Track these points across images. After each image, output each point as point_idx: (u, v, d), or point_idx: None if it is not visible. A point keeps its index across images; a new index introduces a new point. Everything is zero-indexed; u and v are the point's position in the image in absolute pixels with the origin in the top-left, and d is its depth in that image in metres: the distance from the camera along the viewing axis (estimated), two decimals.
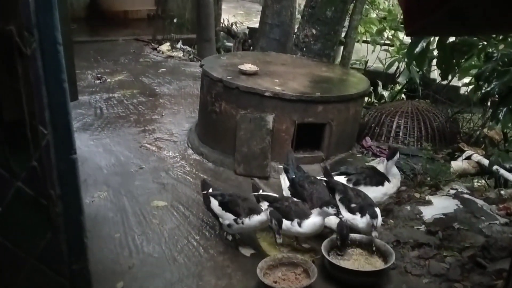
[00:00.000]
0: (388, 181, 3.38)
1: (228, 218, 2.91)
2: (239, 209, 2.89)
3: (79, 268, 1.74)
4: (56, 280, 1.69)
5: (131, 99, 5.75)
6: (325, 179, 3.31)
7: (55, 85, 1.52)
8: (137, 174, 3.92)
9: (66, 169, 1.61)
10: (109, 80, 6.46)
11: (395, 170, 3.43)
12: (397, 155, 3.41)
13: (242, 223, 2.85)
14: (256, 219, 2.83)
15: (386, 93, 6.74)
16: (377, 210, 2.98)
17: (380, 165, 4.16)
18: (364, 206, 2.99)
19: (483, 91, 2.18)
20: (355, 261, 2.84)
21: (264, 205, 3.06)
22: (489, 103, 4.55)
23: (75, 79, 3.33)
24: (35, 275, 1.69)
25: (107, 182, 3.77)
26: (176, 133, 4.81)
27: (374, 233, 2.81)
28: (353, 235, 2.96)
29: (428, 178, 3.92)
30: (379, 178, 3.39)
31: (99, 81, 6.37)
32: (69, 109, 1.57)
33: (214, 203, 3.02)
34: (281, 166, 3.47)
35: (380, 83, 6.85)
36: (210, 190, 3.14)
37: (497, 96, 2.30)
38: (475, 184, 4.49)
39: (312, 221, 2.85)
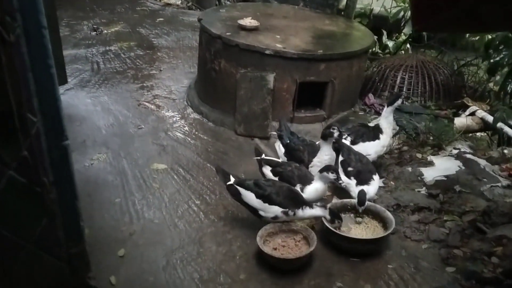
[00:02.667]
0: (380, 131, 3.37)
1: (273, 211, 2.69)
2: (286, 199, 2.69)
3: (76, 251, 1.73)
4: (55, 264, 1.69)
5: (128, 52, 5.61)
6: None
7: (42, 71, 1.44)
8: (136, 135, 3.87)
9: (59, 156, 1.56)
10: (105, 31, 6.28)
11: (391, 118, 3.40)
12: (399, 101, 3.36)
13: (294, 214, 2.68)
14: (310, 212, 2.69)
15: (390, 43, 6.54)
16: (376, 178, 2.97)
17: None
18: (362, 172, 2.98)
19: (491, 60, 2.08)
20: (355, 227, 2.84)
21: (267, 169, 3.03)
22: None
23: (63, 62, 3.23)
24: (33, 260, 1.68)
25: (106, 143, 3.74)
26: (175, 90, 4.72)
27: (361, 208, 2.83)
28: (353, 201, 2.94)
29: (431, 138, 3.86)
30: (374, 132, 3.40)
31: (95, 32, 6.20)
32: (58, 95, 1.50)
33: (249, 196, 2.75)
34: (276, 133, 3.42)
35: (385, 33, 6.64)
36: (231, 179, 2.86)
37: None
38: (478, 139, 4.46)
39: (314, 187, 2.83)
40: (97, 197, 3.12)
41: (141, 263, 2.59)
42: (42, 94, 1.45)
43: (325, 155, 3.00)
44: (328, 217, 2.69)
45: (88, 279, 1.83)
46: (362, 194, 2.81)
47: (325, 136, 2.97)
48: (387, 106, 3.37)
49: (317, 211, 2.69)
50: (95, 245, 2.68)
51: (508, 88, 2.01)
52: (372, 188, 2.95)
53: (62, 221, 1.65)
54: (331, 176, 2.75)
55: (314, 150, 3.14)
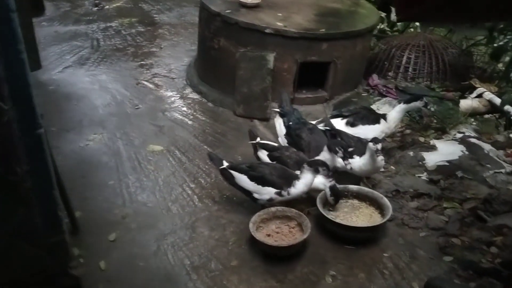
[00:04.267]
0: (385, 119, 3.28)
1: (267, 192, 2.65)
2: (279, 178, 2.64)
3: (56, 240, 1.69)
4: (34, 253, 1.66)
5: (129, 29, 5.50)
6: (327, 127, 3.18)
7: (12, 57, 1.37)
8: (133, 115, 3.81)
9: (33, 145, 1.50)
10: (107, 7, 6.16)
11: (401, 116, 3.31)
12: (418, 103, 3.27)
13: (288, 193, 2.63)
14: (300, 185, 2.62)
15: None
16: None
17: (385, 105, 4.02)
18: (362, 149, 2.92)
19: (495, 45, 1.96)
20: (351, 214, 2.78)
21: (263, 154, 2.95)
22: None
23: (36, 46, 3.11)
24: (12, 249, 1.65)
25: (103, 123, 3.68)
26: (175, 68, 4.62)
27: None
28: (351, 186, 2.88)
29: (435, 121, 3.76)
30: (375, 116, 3.32)
31: (96, 8, 6.08)
32: (29, 81, 1.43)
33: (242, 179, 2.70)
34: (277, 110, 3.31)
35: (393, 10, 6.44)
36: (224, 163, 2.80)
37: None
38: (485, 121, 4.34)
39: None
40: (91, 179, 3.08)
41: (132, 248, 2.56)
42: (13, 81, 1.39)
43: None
44: (328, 191, 2.62)
45: (69, 269, 1.80)
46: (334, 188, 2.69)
47: (329, 150, 2.82)
48: (404, 104, 3.27)
49: (318, 179, 2.62)
50: (87, 228, 2.66)
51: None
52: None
53: (39, 211, 1.60)
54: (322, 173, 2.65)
55: (315, 138, 3.04)
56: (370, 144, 2.76)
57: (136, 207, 2.86)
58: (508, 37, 1.88)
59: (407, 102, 3.28)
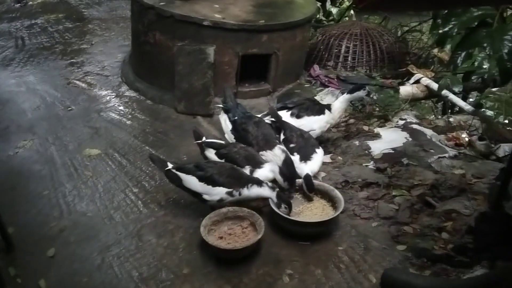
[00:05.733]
0: (329, 109, 3.25)
1: (217, 192, 2.52)
2: (229, 178, 2.53)
3: None
4: None
5: (56, 25, 5.17)
6: (272, 119, 3.11)
7: None
8: (66, 118, 3.55)
9: None
10: (30, 2, 5.78)
11: (345, 106, 3.30)
12: (360, 92, 3.24)
13: (239, 194, 2.52)
14: (257, 191, 2.53)
15: (334, 10, 6.40)
16: (319, 152, 2.87)
17: (328, 95, 4.00)
18: (304, 148, 2.88)
19: (440, 31, 1.95)
20: (303, 209, 2.72)
21: (211, 153, 2.82)
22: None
23: None
24: None
25: (32, 128, 3.41)
26: (108, 65, 4.38)
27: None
28: (300, 181, 2.82)
29: (377, 109, 3.78)
30: (319, 107, 3.28)
31: (19, 4, 5.70)
32: None
33: (190, 180, 2.56)
34: (221, 106, 3.20)
35: None
36: (169, 165, 2.64)
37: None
38: (423, 108, 4.44)
39: (264, 174, 2.68)
40: (22, 190, 2.84)
41: (73, 263, 2.36)
42: None
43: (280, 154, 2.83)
44: (275, 200, 2.54)
45: None
46: (308, 178, 2.68)
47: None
48: (347, 94, 3.26)
49: (265, 190, 2.54)
50: (21, 245, 2.44)
51: (458, 61, 1.89)
52: (315, 163, 2.85)
53: None
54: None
55: (263, 132, 2.95)
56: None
57: (75, 218, 2.64)
58: (452, 23, 1.87)
59: (350, 92, 3.27)
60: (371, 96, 3.34)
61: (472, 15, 1.96)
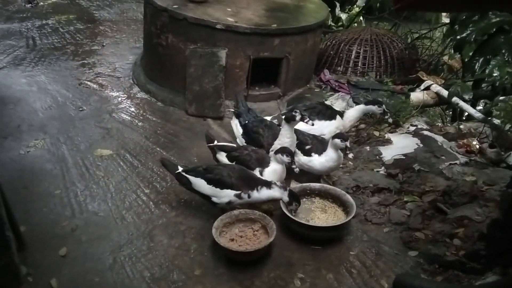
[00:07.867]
0: (341, 116, 3.23)
1: (225, 195, 2.52)
2: (237, 180, 2.52)
3: (4, 263, 1.49)
4: None
5: (68, 26, 5.18)
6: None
7: None
8: (77, 118, 3.56)
9: None
10: (41, 3, 5.80)
11: (358, 116, 3.27)
12: (376, 107, 3.17)
13: (249, 196, 2.50)
14: (267, 193, 2.51)
15: (343, 16, 6.41)
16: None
17: (339, 100, 4.00)
18: (320, 146, 2.87)
19: (458, 37, 1.95)
20: (316, 213, 2.72)
21: (222, 156, 2.82)
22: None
23: None
24: None
25: (44, 128, 3.42)
26: (120, 67, 4.39)
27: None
28: (313, 184, 2.82)
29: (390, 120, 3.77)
30: (331, 112, 3.26)
31: (30, 4, 5.71)
32: None
33: (199, 183, 2.57)
34: (232, 111, 3.20)
35: (338, 5, 6.49)
36: (179, 168, 2.66)
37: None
38: (433, 115, 4.42)
39: (272, 168, 2.67)
40: (34, 189, 2.84)
41: (85, 262, 2.36)
42: None
43: (286, 137, 2.80)
44: (286, 199, 2.53)
45: None
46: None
47: (288, 119, 2.76)
48: (364, 105, 3.23)
49: (275, 191, 2.53)
50: (33, 244, 2.43)
51: (476, 67, 1.89)
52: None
53: None
54: (286, 158, 2.59)
55: (274, 133, 2.95)
56: (337, 140, 2.70)
57: (87, 217, 2.65)
58: (470, 29, 1.87)
59: (367, 104, 3.23)
60: (385, 117, 3.27)
61: (490, 22, 1.96)
